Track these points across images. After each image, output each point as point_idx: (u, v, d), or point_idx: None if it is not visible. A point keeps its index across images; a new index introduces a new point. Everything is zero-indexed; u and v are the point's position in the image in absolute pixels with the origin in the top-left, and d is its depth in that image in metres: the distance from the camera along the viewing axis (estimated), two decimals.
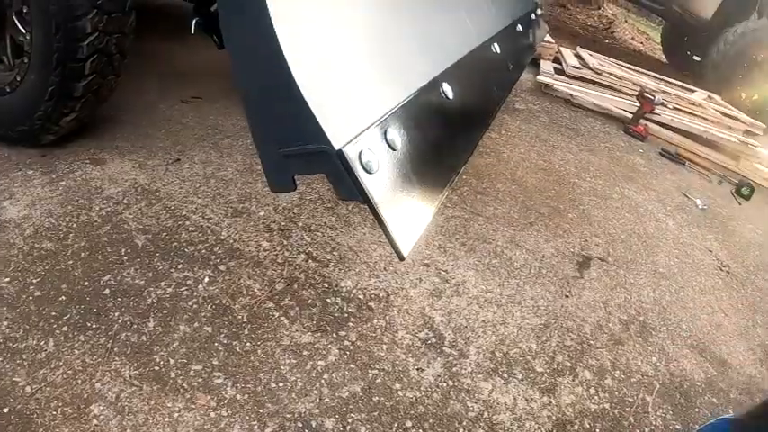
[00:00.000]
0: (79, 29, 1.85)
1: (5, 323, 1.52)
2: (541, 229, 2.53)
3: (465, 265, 2.16)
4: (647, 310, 2.23)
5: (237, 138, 2.61)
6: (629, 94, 4.42)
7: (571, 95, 4.41)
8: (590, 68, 4.92)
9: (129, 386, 1.45)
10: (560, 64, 5.08)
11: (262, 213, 2.14)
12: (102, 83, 2.05)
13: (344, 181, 0.94)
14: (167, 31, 3.47)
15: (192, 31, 2.10)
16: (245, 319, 1.70)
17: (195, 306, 1.70)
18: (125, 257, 1.80)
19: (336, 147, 0.91)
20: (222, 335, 1.64)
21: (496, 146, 3.25)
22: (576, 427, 1.67)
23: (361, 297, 1.88)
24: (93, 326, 1.57)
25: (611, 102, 4.36)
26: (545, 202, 2.75)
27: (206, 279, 1.79)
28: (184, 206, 2.07)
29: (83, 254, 1.77)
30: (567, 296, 2.16)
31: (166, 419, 1.40)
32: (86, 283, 1.68)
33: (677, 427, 1.79)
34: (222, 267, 1.85)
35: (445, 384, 1.67)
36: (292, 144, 0.99)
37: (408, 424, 1.54)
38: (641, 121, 4.07)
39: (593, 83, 4.67)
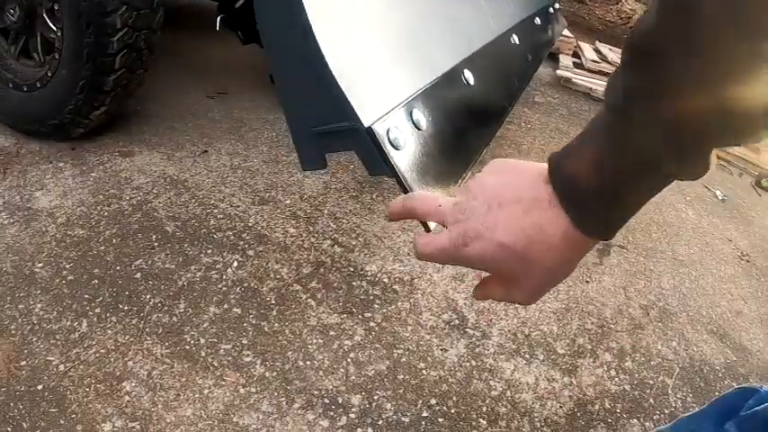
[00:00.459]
0: (109, 25, 1.91)
1: (39, 305, 1.58)
2: None
3: None
4: (666, 296, 2.25)
5: (262, 130, 2.66)
6: None
7: (590, 89, 4.42)
8: (609, 62, 4.93)
9: (161, 364, 1.50)
10: (579, 58, 5.09)
11: (288, 201, 2.20)
12: (130, 77, 2.11)
13: (374, 156, 0.99)
14: (193, 28, 3.54)
15: (218, 28, 2.16)
16: (274, 301, 1.75)
17: (224, 289, 1.75)
18: (155, 243, 1.85)
19: (366, 124, 0.97)
20: (251, 316, 1.69)
21: (516, 137, 3.28)
22: (596, 407, 1.70)
23: (385, 280, 1.92)
24: (126, 307, 1.63)
25: None
26: None
27: (234, 263, 1.84)
28: (212, 195, 2.13)
29: (114, 240, 1.83)
30: (587, 282, 2.20)
31: (197, 395, 1.45)
32: (118, 268, 1.74)
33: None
34: (250, 252, 1.90)
35: (468, 364, 1.71)
36: (324, 123, 1.05)
37: (433, 401, 1.58)
38: None
39: None
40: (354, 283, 1.89)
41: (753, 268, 2.66)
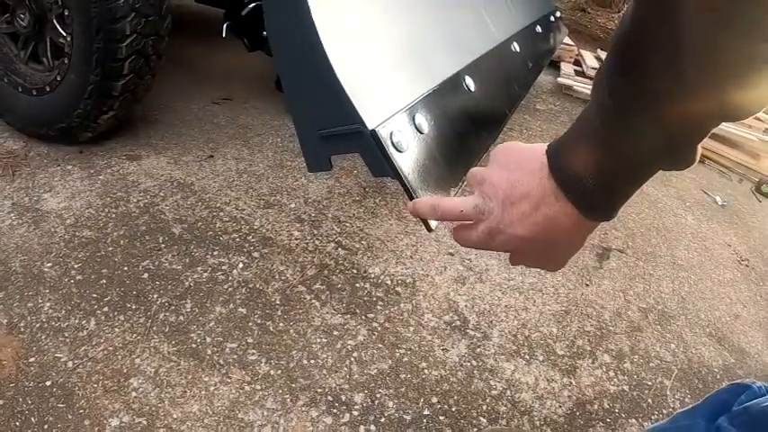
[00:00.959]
0: (119, 31, 1.95)
1: (48, 304, 1.62)
2: None
3: (488, 254, 2.23)
4: (665, 300, 2.28)
5: (267, 136, 2.70)
6: None
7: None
8: None
9: (168, 362, 1.54)
10: (581, 66, 5.13)
11: (293, 205, 2.23)
12: (139, 82, 2.15)
13: (377, 158, 1.03)
14: (200, 35, 3.58)
15: (224, 35, 2.20)
16: (279, 302, 1.78)
17: (230, 289, 1.78)
18: (162, 245, 1.89)
19: (370, 127, 1.01)
20: (256, 316, 1.72)
21: None
22: (595, 406, 1.73)
23: (388, 282, 1.96)
24: (133, 307, 1.66)
25: None
26: None
27: (240, 265, 1.88)
28: (218, 198, 2.17)
29: (122, 241, 1.86)
30: (587, 285, 2.23)
31: (203, 392, 1.48)
32: (126, 268, 1.78)
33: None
34: (256, 254, 1.94)
35: (469, 364, 1.74)
36: (329, 126, 1.09)
37: (434, 400, 1.61)
38: None
39: None
40: (358, 285, 1.92)
41: (752, 273, 2.68)
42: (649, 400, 1.80)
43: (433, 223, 0.96)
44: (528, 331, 1.92)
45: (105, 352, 1.53)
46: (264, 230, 2.06)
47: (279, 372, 1.58)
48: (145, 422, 1.39)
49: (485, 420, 1.59)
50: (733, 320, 2.29)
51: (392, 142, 1.05)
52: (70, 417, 1.36)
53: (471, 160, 1.33)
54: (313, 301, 1.82)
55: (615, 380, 1.83)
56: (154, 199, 2.09)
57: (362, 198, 2.39)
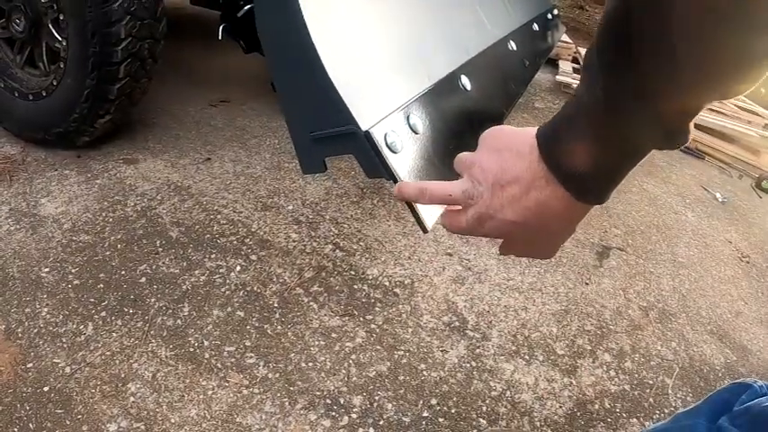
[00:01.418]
0: (114, 34, 1.95)
1: (46, 309, 1.61)
2: None
3: (487, 254, 2.22)
4: (666, 298, 2.27)
5: (265, 138, 2.70)
6: None
7: None
8: None
9: (165, 366, 1.53)
10: (579, 64, 5.12)
11: (290, 207, 2.23)
12: (135, 85, 2.14)
13: (371, 160, 1.02)
14: (196, 38, 3.57)
15: (220, 37, 2.19)
16: (276, 305, 1.77)
17: (228, 293, 1.78)
18: (160, 248, 1.88)
19: (364, 128, 1.00)
20: (254, 319, 1.71)
21: None
22: (596, 406, 1.72)
23: (386, 284, 1.95)
24: (131, 311, 1.66)
25: None
26: None
27: (238, 268, 1.87)
28: (216, 201, 2.16)
29: (119, 245, 1.86)
30: (586, 284, 2.22)
31: (201, 396, 1.47)
32: (123, 272, 1.77)
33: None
34: (253, 257, 1.93)
35: (468, 365, 1.73)
36: (323, 128, 1.08)
37: (433, 401, 1.60)
38: None
39: None
40: (356, 287, 1.92)
41: (753, 269, 2.68)
42: (651, 400, 1.79)
43: (428, 223, 0.96)
44: (527, 331, 1.91)
45: (103, 357, 1.53)
46: (262, 233, 2.06)
47: (277, 375, 1.57)
48: (143, 427, 1.38)
49: (484, 422, 1.58)
50: (734, 318, 2.28)
51: (386, 143, 1.04)
52: (68, 422, 1.36)
53: None
54: (311, 303, 1.82)
55: (616, 379, 1.82)
56: (151, 202, 2.09)
57: (360, 199, 2.38)
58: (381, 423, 1.51)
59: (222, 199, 2.19)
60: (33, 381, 1.44)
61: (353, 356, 1.68)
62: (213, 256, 1.91)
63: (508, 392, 1.69)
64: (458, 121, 1.35)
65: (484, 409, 1.62)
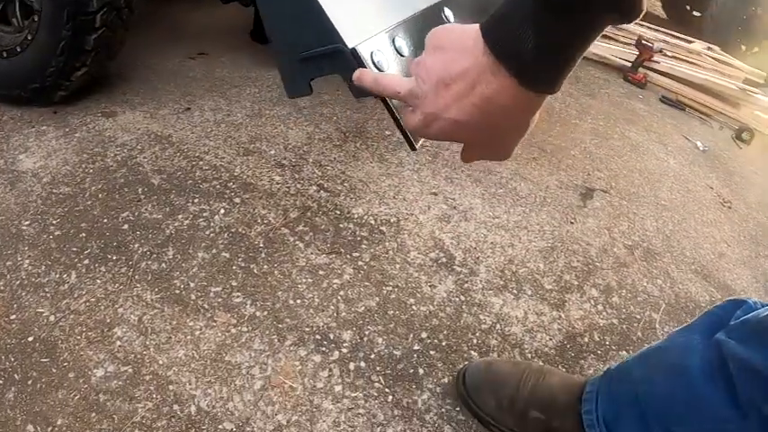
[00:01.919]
0: None
1: (27, 261, 1.59)
2: (545, 164, 2.58)
3: (472, 194, 2.21)
4: (650, 238, 2.28)
5: (244, 87, 2.66)
6: (628, 44, 4.44)
7: None
8: None
9: (151, 309, 1.51)
10: None
11: (272, 152, 2.20)
12: (111, 36, 2.10)
13: None
14: None
15: None
16: (262, 245, 1.76)
17: (212, 235, 1.76)
18: (142, 196, 1.86)
19: (350, 45, 0.99)
20: (240, 259, 1.70)
21: None
22: (586, 339, 1.72)
23: (372, 222, 1.94)
24: (114, 257, 1.64)
25: (610, 50, 4.37)
26: (547, 140, 2.80)
27: (222, 211, 1.85)
28: (197, 148, 2.14)
29: (100, 195, 1.83)
30: (571, 223, 2.22)
31: (188, 337, 1.46)
32: (105, 221, 1.75)
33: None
34: (237, 200, 1.91)
35: (457, 299, 1.73)
36: (309, 48, 1.07)
37: (424, 335, 1.60)
38: (640, 69, 4.11)
39: None
40: (341, 225, 1.90)
41: (734, 214, 2.69)
42: (639, 333, 1.80)
43: (416, 142, 0.95)
44: (515, 267, 1.91)
45: (87, 304, 1.51)
46: (245, 177, 2.03)
47: (265, 313, 1.56)
48: (130, 370, 1.37)
49: (476, 354, 1.58)
50: (718, 258, 2.30)
51: (373, 62, 1.03)
52: (54, 370, 1.34)
53: None
54: (297, 242, 1.80)
55: (604, 313, 1.83)
56: (131, 152, 2.06)
57: (343, 143, 2.36)
58: (372, 357, 1.51)
59: (203, 146, 2.17)
60: (17, 332, 1.41)
61: (341, 293, 1.67)
62: (196, 200, 1.89)
63: (498, 325, 1.68)
64: None
65: (474, 341, 1.62)
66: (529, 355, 1.62)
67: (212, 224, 1.80)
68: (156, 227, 1.76)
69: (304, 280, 1.68)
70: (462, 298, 1.74)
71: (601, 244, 2.14)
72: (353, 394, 1.41)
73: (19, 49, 2.10)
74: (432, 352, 1.56)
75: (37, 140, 2.05)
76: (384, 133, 2.49)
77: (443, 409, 1.42)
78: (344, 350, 1.51)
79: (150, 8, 3.05)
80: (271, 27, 1.16)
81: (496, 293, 1.79)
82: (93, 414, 1.27)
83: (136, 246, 1.69)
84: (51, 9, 1.97)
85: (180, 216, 1.81)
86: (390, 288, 1.71)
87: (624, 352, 1.72)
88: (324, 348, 1.50)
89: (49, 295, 1.51)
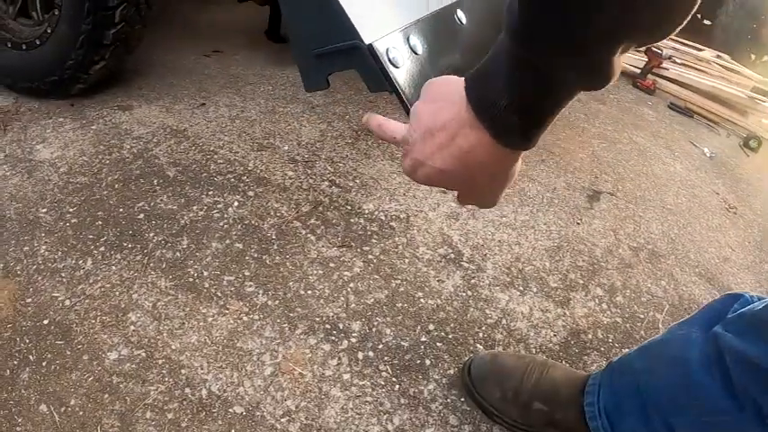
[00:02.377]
0: None
1: (44, 247, 1.63)
2: (552, 166, 2.61)
3: None
4: (655, 240, 2.30)
5: (258, 85, 2.70)
6: (638, 50, 4.46)
7: None
8: None
9: (165, 296, 1.55)
10: None
11: (286, 147, 2.24)
12: (130, 31, 2.14)
13: (374, 72, 1.06)
14: None
15: None
16: (274, 236, 1.80)
17: (226, 226, 1.80)
18: (157, 187, 1.90)
19: (367, 42, 1.03)
20: (253, 250, 1.74)
21: None
22: (589, 336, 1.75)
23: (382, 218, 1.98)
24: (129, 245, 1.67)
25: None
26: (555, 143, 2.83)
27: (235, 203, 1.89)
28: (212, 142, 2.18)
29: (116, 185, 1.87)
30: (578, 223, 2.25)
31: (201, 324, 1.50)
32: (121, 210, 1.78)
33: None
34: (250, 193, 1.95)
35: (464, 294, 1.76)
36: (326, 44, 1.11)
37: (431, 327, 1.63)
38: (650, 75, 4.13)
39: None
40: (352, 220, 1.94)
41: (740, 220, 2.71)
42: (642, 332, 1.83)
43: None
44: (521, 264, 1.94)
45: (102, 289, 1.54)
46: (259, 171, 2.07)
47: (276, 302, 1.60)
48: (144, 354, 1.40)
49: (481, 347, 1.61)
50: (722, 263, 2.32)
51: (389, 58, 1.07)
52: (69, 352, 1.38)
53: None
54: (308, 235, 1.84)
55: (608, 312, 1.86)
56: (147, 145, 2.10)
57: (355, 140, 2.40)
58: (380, 347, 1.54)
59: (218, 140, 2.21)
60: (33, 315, 1.45)
61: (351, 285, 1.70)
62: (211, 192, 1.93)
63: (504, 320, 1.72)
64: (453, 50, 1.37)
65: (480, 335, 1.65)
66: (533, 350, 1.65)
67: (226, 216, 1.84)
68: (170, 217, 1.80)
69: (315, 272, 1.71)
70: (469, 293, 1.77)
71: (606, 245, 2.17)
72: (361, 382, 1.45)
73: (38, 42, 2.14)
74: (438, 344, 1.59)
75: (54, 131, 2.09)
76: None
77: (449, 399, 1.46)
78: (353, 340, 1.54)
79: (167, 5, 3.09)
80: (290, 23, 1.21)
81: (503, 290, 1.82)
82: (106, 395, 1.31)
83: (151, 235, 1.73)
84: (72, 3, 2.00)
85: (194, 207, 1.85)
86: (399, 281, 1.75)
87: (627, 349, 1.73)
88: (333, 338, 1.54)
89: (65, 280, 1.55)
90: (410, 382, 1.47)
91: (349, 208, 1.99)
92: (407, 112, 1.01)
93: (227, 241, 1.75)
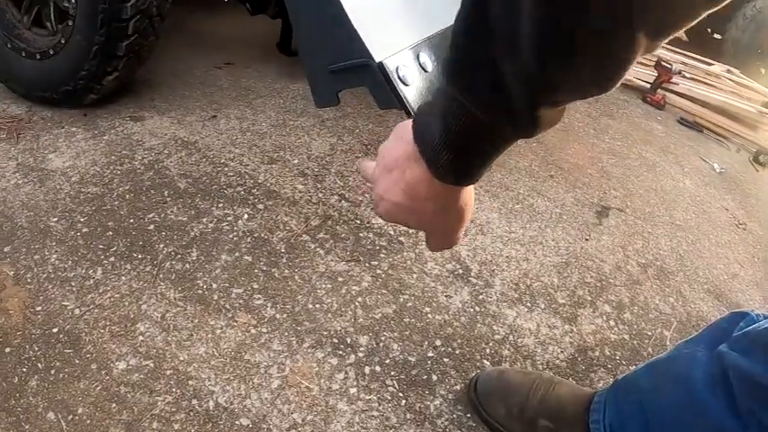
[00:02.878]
0: None
1: (55, 256, 1.64)
2: (561, 182, 2.61)
3: (489, 208, 2.25)
4: (664, 257, 2.30)
5: (270, 98, 2.72)
6: (647, 65, 4.45)
7: None
8: None
9: (174, 307, 1.56)
10: None
11: (296, 161, 2.26)
12: (143, 43, 2.16)
13: (384, 89, 1.07)
14: (199, 0, 3.57)
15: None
16: (283, 250, 1.81)
17: (236, 239, 1.81)
18: (168, 198, 1.91)
19: (377, 59, 1.04)
20: (261, 263, 1.75)
21: None
22: (597, 353, 1.75)
23: (391, 233, 1.98)
24: (139, 256, 1.69)
25: (630, 72, 4.37)
26: (565, 159, 2.83)
27: (245, 216, 1.90)
28: (222, 155, 2.19)
29: (127, 196, 1.89)
30: (586, 239, 2.25)
31: (209, 335, 1.51)
32: (132, 221, 1.80)
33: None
34: (260, 206, 1.96)
35: (472, 310, 1.77)
36: (338, 61, 1.13)
37: (438, 342, 1.64)
38: (659, 90, 4.12)
39: None
40: (361, 235, 1.95)
41: (749, 236, 2.70)
42: (649, 349, 1.83)
43: None
44: (529, 281, 1.95)
45: (112, 299, 1.55)
46: (269, 184, 2.09)
47: (284, 315, 1.61)
48: (152, 365, 1.41)
49: (488, 363, 1.62)
50: (731, 279, 2.32)
51: (398, 75, 1.08)
52: (77, 361, 1.39)
53: None
54: (317, 249, 1.85)
55: (616, 329, 1.85)
56: (158, 156, 2.11)
57: (364, 155, 2.41)
58: (387, 362, 1.55)
59: (229, 153, 2.22)
60: (42, 323, 1.46)
61: (360, 299, 1.71)
62: (221, 205, 1.94)
63: (511, 336, 1.72)
64: None
65: (487, 351, 1.66)
66: (540, 367, 1.65)
67: (236, 228, 1.85)
68: (181, 229, 1.81)
69: (323, 285, 1.72)
70: (477, 309, 1.78)
71: (615, 261, 2.17)
72: (368, 397, 1.45)
73: (52, 52, 2.16)
74: (445, 359, 1.59)
75: (66, 141, 2.11)
76: None
77: (455, 415, 1.46)
78: (361, 354, 1.55)
79: (179, 17, 3.11)
80: (302, 40, 1.23)
81: (510, 306, 1.82)
82: (114, 405, 1.32)
83: (161, 246, 1.74)
84: (86, 14, 2.02)
85: (204, 219, 1.86)
86: (407, 296, 1.75)
87: (634, 367, 1.73)
88: (341, 352, 1.54)
89: (74, 289, 1.56)
90: (416, 398, 1.48)
91: (358, 222, 2.00)
92: None
93: (237, 254, 1.76)
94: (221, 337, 1.51)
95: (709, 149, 3.64)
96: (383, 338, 1.61)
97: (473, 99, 0.59)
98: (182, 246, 1.75)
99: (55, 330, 1.45)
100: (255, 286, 1.67)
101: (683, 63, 4.64)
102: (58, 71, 2.17)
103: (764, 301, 2.28)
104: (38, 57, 2.19)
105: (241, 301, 1.62)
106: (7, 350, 1.39)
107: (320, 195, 2.09)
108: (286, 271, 1.74)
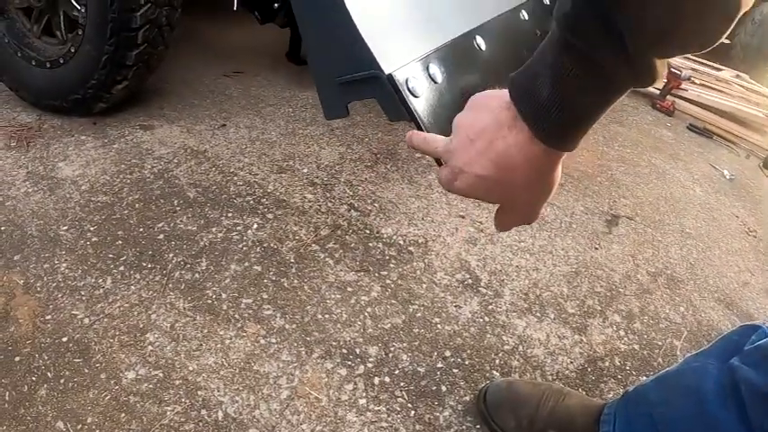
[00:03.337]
0: (133, 0, 1.97)
1: (64, 265, 1.64)
2: (571, 190, 2.61)
3: None
4: (674, 265, 2.29)
5: (279, 106, 2.73)
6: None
7: None
8: None
9: (183, 317, 1.56)
10: None
11: (305, 170, 2.26)
12: (152, 52, 2.16)
13: (393, 102, 1.07)
14: (211, 9, 3.57)
15: (235, 8, 2.22)
16: (293, 260, 1.81)
17: (245, 248, 1.81)
18: (177, 207, 1.91)
19: (387, 72, 1.04)
20: (271, 273, 1.75)
21: None
22: (606, 363, 1.74)
23: (401, 242, 1.98)
24: (149, 265, 1.69)
25: None
26: (574, 167, 2.83)
27: (255, 225, 1.91)
28: (232, 164, 2.19)
29: (137, 205, 1.89)
30: (596, 248, 2.25)
31: (218, 345, 1.51)
32: (141, 230, 1.80)
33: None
34: (270, 216, 1.96)
35: (481, 320, 1.76)
36: (347, 73, 1.13)
37: (447, 353, 1.63)
38: (668, 96, 4.11)
39: None
40: (371, 244, 1.95)
41: (759, 243, 2.69)
42: (660, 359, 1.82)
43: None
44: (539, 290, 1.94)
45: (121, 308, 1.56)
46: (278, 193, 2.09)
47: (294, 326, 1.60)
48: (161, 374, 1.41)
49: (498, 374, 1.61)
50: (741, 287, 2.30)
51: (408, 87, 1.08)
52: (86, 371, 1.39)
53: None
54: (327, 259, 1.85)
55: (626, 339, 1.85)
56: (168, 165, 2.12)
57: (374, 164, 2.41)
58: (397, 372, 1.54)
59: (238, 162, 2.23)
60: (52, 332, 1.47)
61: (369, 309, 1.71)
62: (230, 214, 1.94)
63: (520, 347, 1.71)
64: (472, 77, 1.38)
65: (497, 361, 1.65)
66: (550, 377, 1.64)
67: (245, 238, 1.86)
68: (190, 238, 1.81)
69: (333, 296, 1.72)
70: (486, 319, 1.77)
71: (624, 270, 2.16)
72: (377, 408, 1.45)
73: (62, 61, 2.17)
74: (455, 370, 1.59)
75: (76, 149, 2.11)
76: (414, 156, 2.53)
77: (464, 426, 1.46)
78: (370, 365, 1.55)
79: (188, 26, 3.12)
80: (311, 52, 1.23)
81: (520, 316, 1.82)
82: (123, 414, 1.32)
83: (170, 255, 1.74)
84: (95, 24, 2.03)
85: (214, 229, 1.87)
86: (416, 307, 1.75)
87: (644, 377, 1.73)
88: (350, 362, 1.54)
89: (84, 298, 1.57)
90: (426, 409, 1.47)
91: (368, 232, 2.00)
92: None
93: (246, 264, 1.77)
94: (230, 348, 1.51)
95: (719, 156, 3.63)
96: (392, 349, 1.60)
97: (592, 45, 0.59)
98: (191, 255, 1.75)
99: (64, 339, 1.45)
100: (265, 296, 1.67)
101: (693, 69, 4.62)
102: (67, 80, 2.18)
103: None
104: (48, 65, 2.20)
105: (250, 311, 1.62)
106: (17, 359, 1.39)
107: (329, 205, 2.09)
108: (295, 281, 1.74)
